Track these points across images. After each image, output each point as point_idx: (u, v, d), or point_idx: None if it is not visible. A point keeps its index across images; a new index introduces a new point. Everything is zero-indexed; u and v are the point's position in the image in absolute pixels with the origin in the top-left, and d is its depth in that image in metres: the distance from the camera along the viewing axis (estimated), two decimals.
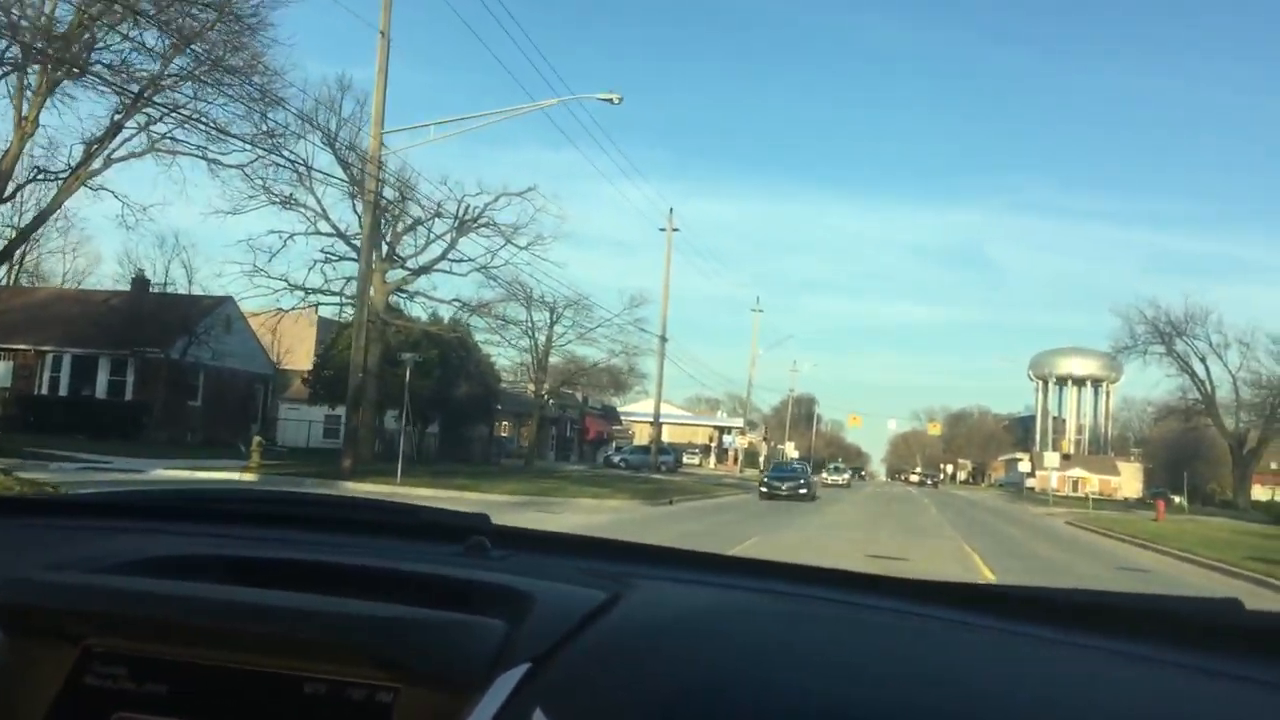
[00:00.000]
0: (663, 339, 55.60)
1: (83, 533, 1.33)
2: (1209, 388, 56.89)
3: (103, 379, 36.02)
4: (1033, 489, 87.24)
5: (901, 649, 1.00)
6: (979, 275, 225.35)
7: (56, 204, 26.78)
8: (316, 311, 36.03)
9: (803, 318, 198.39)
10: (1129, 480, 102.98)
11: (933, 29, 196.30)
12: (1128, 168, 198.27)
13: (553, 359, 48.84)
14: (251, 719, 0.89)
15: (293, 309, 32.73)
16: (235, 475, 22.31)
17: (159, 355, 34.82)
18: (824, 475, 57.91)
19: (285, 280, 31.63)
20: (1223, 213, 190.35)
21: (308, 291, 32.56)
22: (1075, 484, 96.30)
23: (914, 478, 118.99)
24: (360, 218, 32.14)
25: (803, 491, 36.89)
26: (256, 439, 26.49)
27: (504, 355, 48.50)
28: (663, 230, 57.42)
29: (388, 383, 38.72)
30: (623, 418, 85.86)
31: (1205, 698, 0.93)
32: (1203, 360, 56.54)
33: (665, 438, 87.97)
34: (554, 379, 49.98)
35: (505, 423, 56.57)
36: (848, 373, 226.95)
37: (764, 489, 37.54)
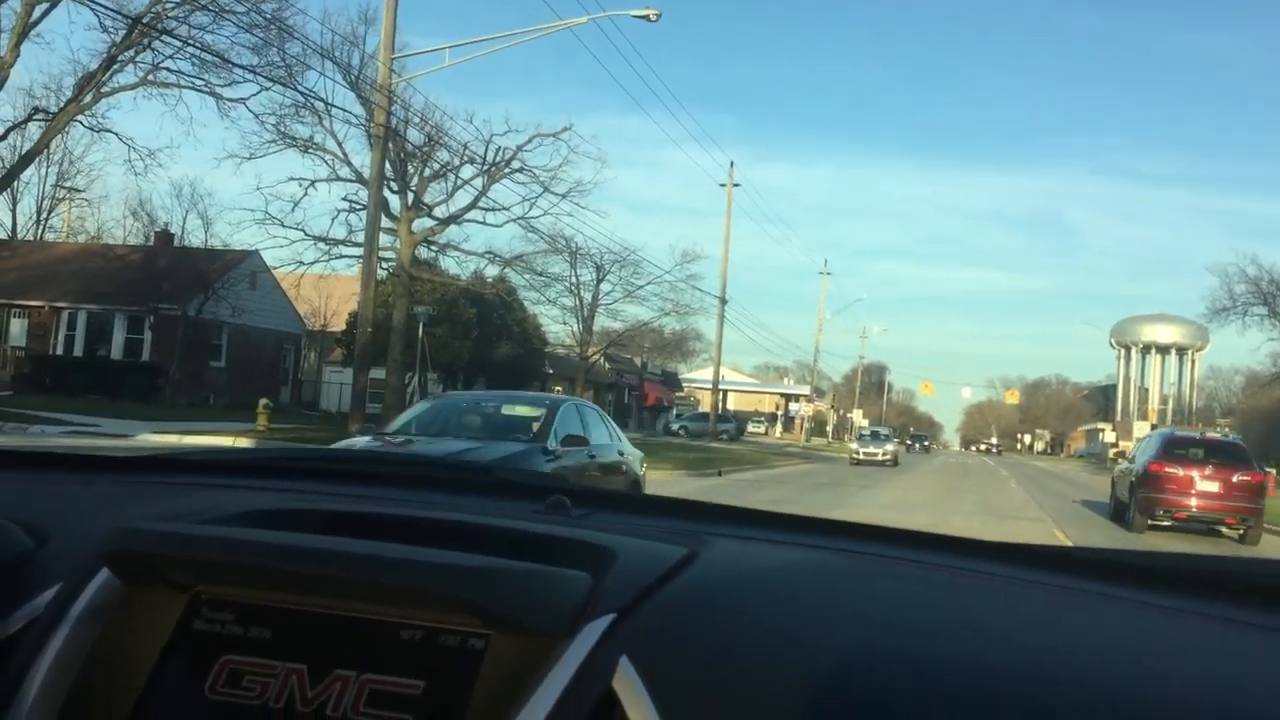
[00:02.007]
0: (722, 300, 52.67)
1: (186, 488, 1.39)
2: None
3: (119, 338, 34.06)
4: (1114, 459, 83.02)
5: (974, 606, 1.02)
6: (1056, 241, 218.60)
7: (45, 142, 24.67)
8: (364, 269, 33.62)
9: (873, 285, 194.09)
10: None
11: None
12: (1210, 131, 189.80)
13: (610, 321, 46.04)
14: (351, 662, 0.92)
15: (315, 263, 30.31)
16: (230, 440, 19.97)
17: (176, 312, 32.68)
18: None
19: (302, 230, 29.14)
20: None
21: (330, 243, 30.09)
22: None
23: (983, 447, 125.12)
24: (389, 163, 29.80)
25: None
26: (263, 402, 24.21)
27: (548, 314, 45.48)
28: (722, 186, 54.49)
29: (425, 343, 36.54)
30: (685, 384, 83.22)
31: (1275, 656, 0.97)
32: None
33: (730, 405, 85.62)
34: (606, 340, 47.03)
35: (559, 388, 54.14)
36: (920, 341, 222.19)
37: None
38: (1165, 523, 17.14)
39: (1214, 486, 16.58)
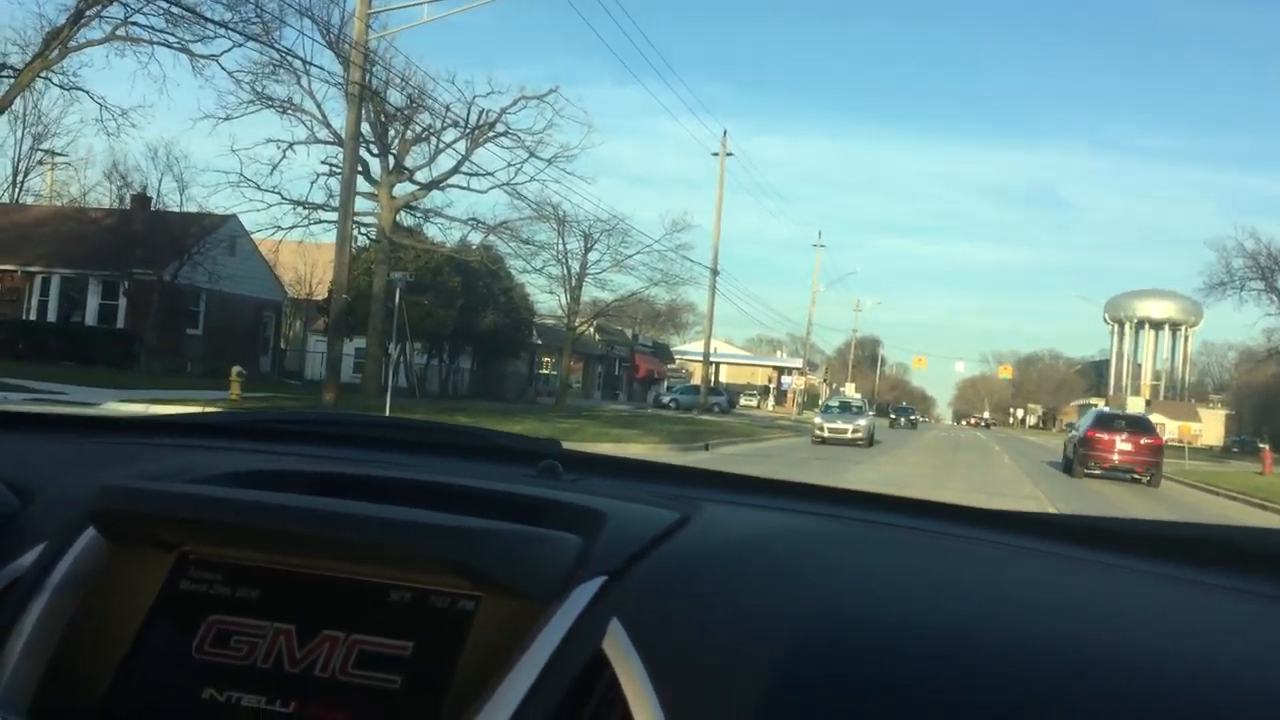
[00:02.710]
0: (714, 271, 51.99)
1: (175, 450, 1.38)
2: None
3: (93, 304, 33.26)
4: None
5: (967, 572, 1.02)
6: (1053, 216, 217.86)
7: (9, 99, 23.71)
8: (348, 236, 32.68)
9: (868, 259, 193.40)
10: (1211, 427, 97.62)
11: None
12: (1209, 106, 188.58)
13: (599, 292, 45.20)
14: (340, 623, 0.92)
15: (294, 228, 29.52)
16: (200, 410, 19.23)
17: (151, 278, 31.85)
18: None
19: (279, 193, 28.32)
20: None
21: (310, 208, 29.28)
22: None
23: (973, 421, 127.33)
24: (369, 125, 28.91)
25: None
26: (236, 369, 23.49)
27: (535, 284, 44.62)
28: (715, 155, 53.64)
29: (406, 312, 35.74)
30: (677, 356, 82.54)
31: (1269, 623, 0.97)
32: None
33: (723, 378, 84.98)
34: (595, 311, 46.22)
35: (549, 359, 53.33)
36: (914, 314, 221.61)
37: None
38: (1096, 472, 24.41)
39: (1128, 447, 23.97)
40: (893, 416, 69.90)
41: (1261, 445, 66.73)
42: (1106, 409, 33.46)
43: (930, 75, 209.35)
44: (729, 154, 53.35)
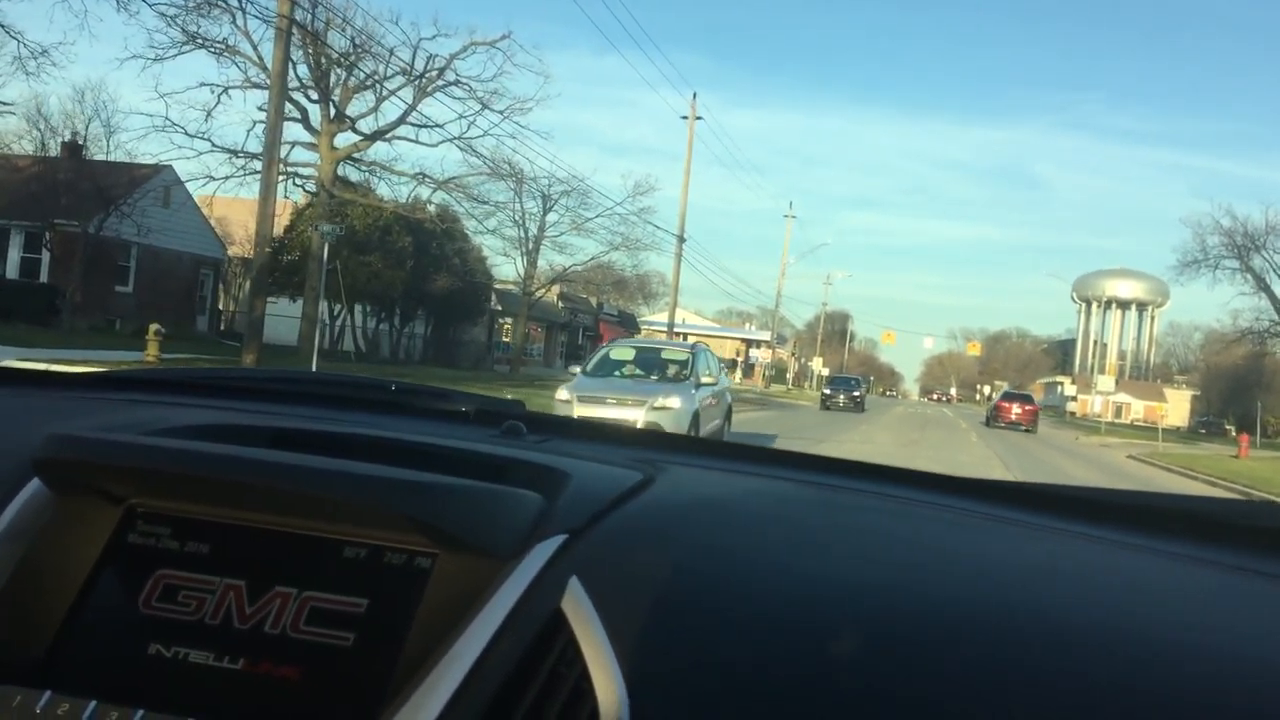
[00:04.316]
0: (680, 239, 50.25)
1: (127, 404, 1.36)
2: None
3: (14, 256, 31.05)
4: (1073, 413, 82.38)
5: (930, 537, 1.03)
6: (1024, 195, 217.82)
7: None
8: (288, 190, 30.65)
9: (841, 234, 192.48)
10: (1176, 408, 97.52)
11: None
12: (1182, 88, 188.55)
13: (559, 256, 43.44)
14: (292, 579, 0.90)
15: (228, 179, 27.64)
16: (103, 370, 17.50)
17: (77, 229, 29.84)
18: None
19: (209, 140, 26.39)
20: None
21: (246, 157, 27.37)
22: (1119, 410, 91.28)
23: (935, 397, 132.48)
24: (308, 68, 27.02)
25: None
26: (154, 327, 21.68)
27: (492, 247, 42.67)
28: (684, 119, 51.90)
29: (352, 272, 33.90)
30: (644, 327, 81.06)
31: (1241, 593, 0.98)
32: None
33: None
34: (555, 277, 44.44)
35: (509, 325, 51.61)
36: (884, 290, 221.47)
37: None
38: (1001, 424, 42.23)
39: (1019, 411, 42.82)
40: (826, 393, 46.98)
41: (1228, 427, 66.59)
42: (1008, 389, 57.46)
43: (904, 52, 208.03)
44: (698, 118, 51.52)
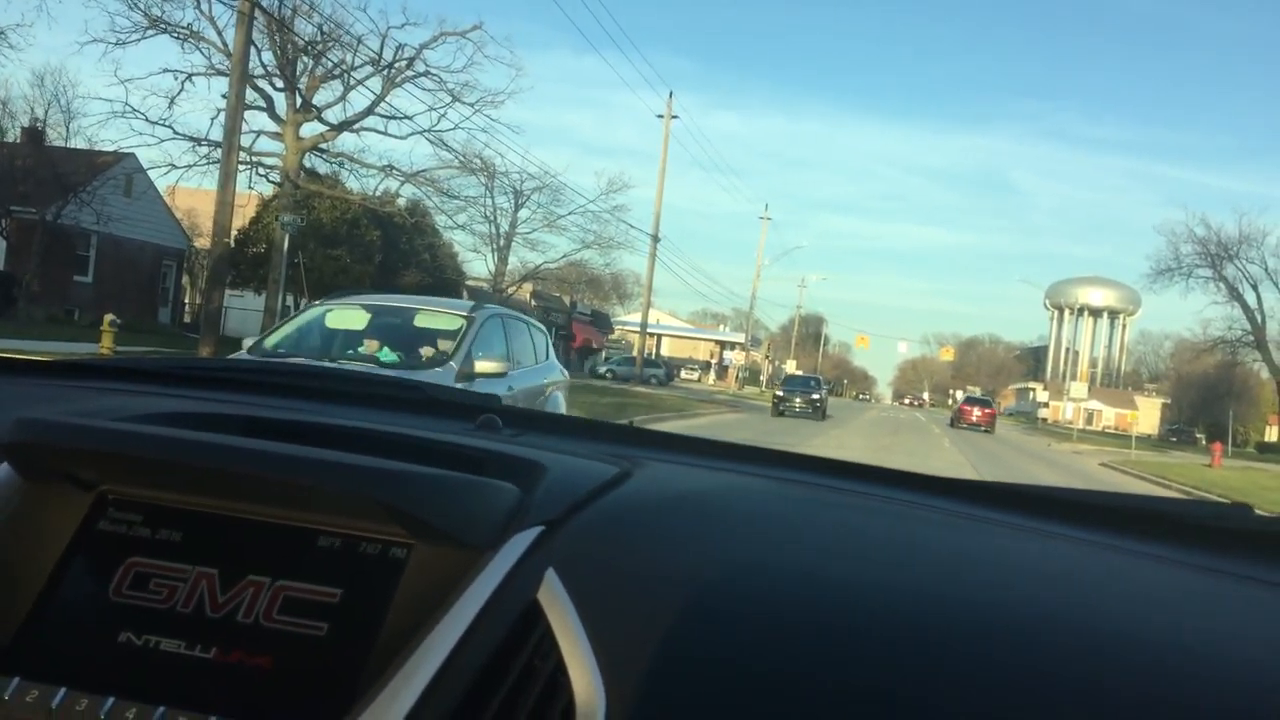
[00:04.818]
0: (655, 238, 49.82)
1: (98, 393, 1.34)
2: (1260, 318, 50.70)
3: None
4: (1045, 419, 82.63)
5: (903, 533, 1.03)
6: (999, 202, 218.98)
7: None
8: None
9: (817, 237, 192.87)
10: (1146, 416, 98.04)
11: None
12: (1157, 99, 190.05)
13: (530, 254, 42.77)
14: (266, 569, 0.89)
15: (190, 167, 26.86)
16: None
17: (35, 216, 29.04)
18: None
19: (170, 127, 25.66)
20: (1252, 148, 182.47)
21: (210, 145, 26.61)
22: (1090, 416, 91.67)
23: (907, 401, 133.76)
24: (274, 55, 26.37)
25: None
26: (108, 318, 20.96)
27: (463, 243, 41.88)
28: (660, 117, 51.47)
29: (320, 266, 33.21)
30: (618, 327, 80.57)
31: (1209, 593, 0.99)
32: (1254, 287, 50.20)
33: (665, 351, 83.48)
34: (527, 274, 43.81)
35: None
36: (859, 294, 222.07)
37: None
38: (964, 426, 47.27)
39: (978, 413, 49.02)
40: (779, 396, 38.29)
41: (1198, 435, 67.10)
42: (970, 394, 67.15)
43: (883, 58, 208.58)
44: (674, 117, 51.20)
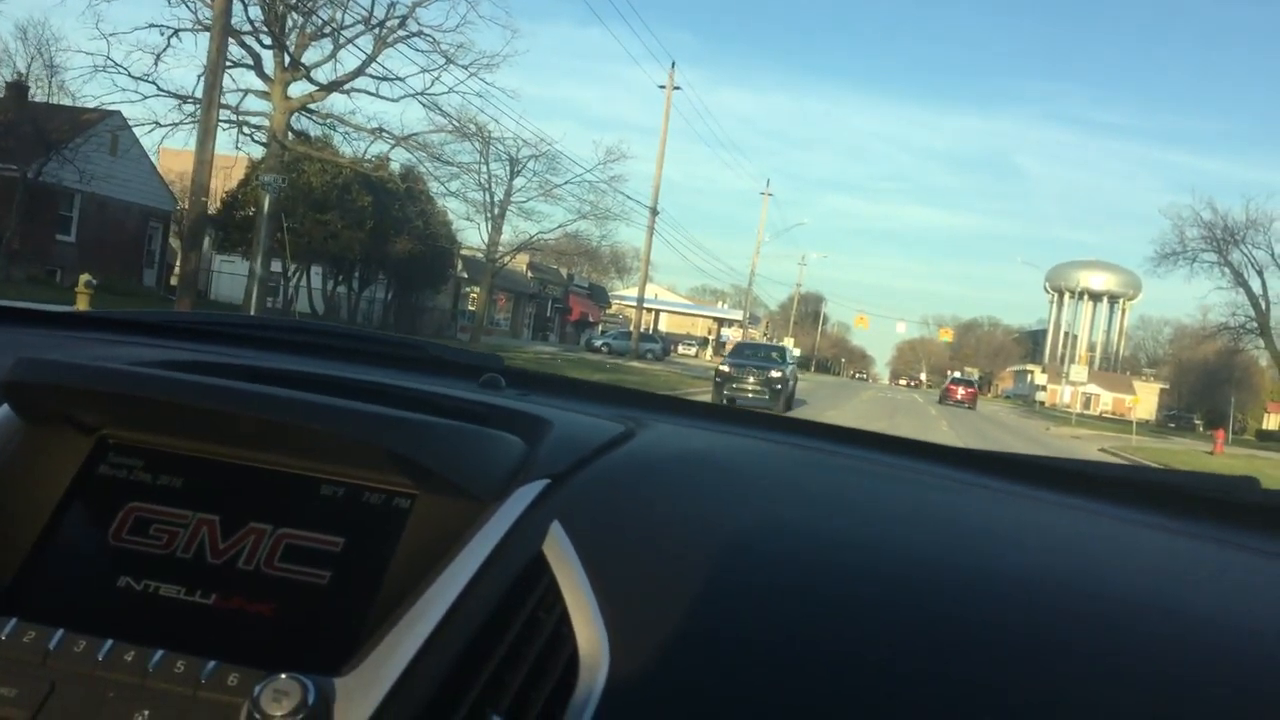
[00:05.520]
0: (653, 210, 49.13)
1: (103, 343, 1.36)
2: (1265, 305, 50.08)
3: None
4: (1042, 403, 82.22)
5: (909, 498, 1.04)
6: (1002, 185, 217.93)
7: None
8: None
9: (819, 217, 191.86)
10: (1145, 400, 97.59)
11: None
12: (1163, 84, 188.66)
13: (525, 223, 41.97)
14: (268, 516, 0.88)
15: (176, 125, 26.04)
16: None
17: (15, 173, 28.27)
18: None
19: (154, 83, 24.85)
20: (1260, 134, 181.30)
21: (196, 103, 25.77)
22: (1089, 400, 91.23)
23: (903, 382, 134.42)
24: (261, 9, 25.54)
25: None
26: (84, 278, 20.28)
27: (458, 211, 40.99)
28: (662, 88, 50.63)
29: (309, 231, 32.48)
30: (615, 301, 79.93)
31: (1217, 564, 0.99)
32: (1260, 273, 49.56)
33: (663, 327, 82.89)
34: (520, 245, 43.03)
35: (473, 292, 50.22)
36: (859, 274, 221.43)
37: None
38: (950, 403, 56.79)
39: (962, 391, 59.68)
40: (723, 372, 24.69)
41: (1197, 421, 66.89)
42: (955, 376, 73.64)
43: (888, 38, 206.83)
44: (676, 88, 50.41)
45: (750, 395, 23.35)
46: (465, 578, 0.78)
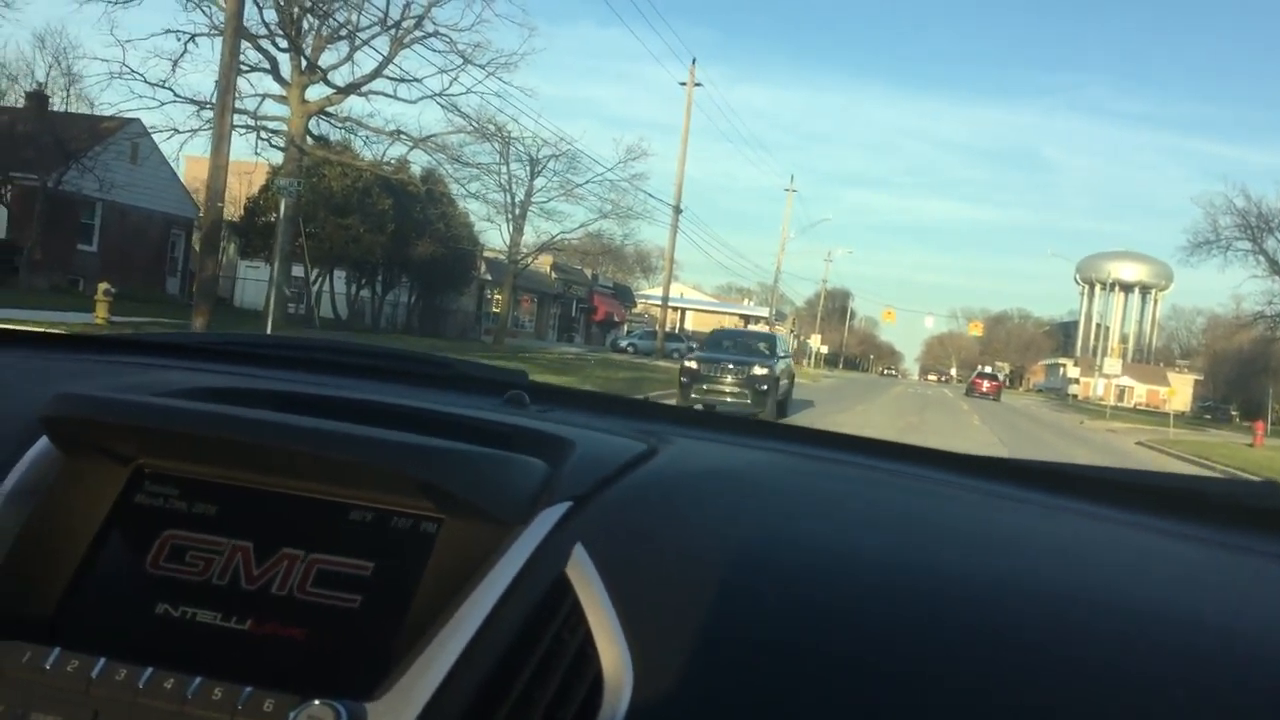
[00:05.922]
0: (676, 209, 48.71)
1: (135, 368, 1.37)
2: None
3: None
4: (1075, 396, 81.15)
5: (932, 511, 1.04)
6: (1029, 177, 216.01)
7: None
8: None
9: (844, 212, 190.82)
10: (1180, 392, 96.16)
11: None
12: (1189, 73, 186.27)
13: (545, 224, 41.65)
14: (299, 542, 0.91)
15: (195, 131, 25.92)
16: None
17: (35, 183, 28.25)
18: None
19: (171, 89, 24.73)
20: None
21: (214, 109, 25.67)
22: (1122, 393, 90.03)
23: (931, 377, 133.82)
24: (277, 12, 25.38)
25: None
26: (102, 286, 20.32)
27: (479, 212, 40.66)
28: (683, 85, 50.20)
29: (330, 235, 32.35)
30: (640, 301, 79.49)
31: (1242, 573, 0.99)
32: None
33: (689, 325, 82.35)
34: (543, 245, 42.73)
35: (497, 294, 49.97)
36: (886, 270, 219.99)
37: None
38: (976, 395, 60.94)
39: (987, 385, 64.16)
40: (690, 369, 18.50)
41: (1233, 412, 65.88)
42: (981, 368, 75.41)
43: (910, 31, 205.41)
44: (698, 84, 49.94)
45: (728, 400, 17.95)
46: (491, 601, 0.79)
